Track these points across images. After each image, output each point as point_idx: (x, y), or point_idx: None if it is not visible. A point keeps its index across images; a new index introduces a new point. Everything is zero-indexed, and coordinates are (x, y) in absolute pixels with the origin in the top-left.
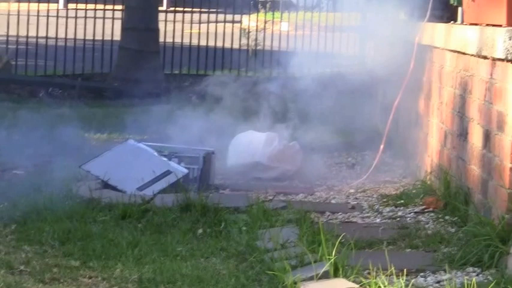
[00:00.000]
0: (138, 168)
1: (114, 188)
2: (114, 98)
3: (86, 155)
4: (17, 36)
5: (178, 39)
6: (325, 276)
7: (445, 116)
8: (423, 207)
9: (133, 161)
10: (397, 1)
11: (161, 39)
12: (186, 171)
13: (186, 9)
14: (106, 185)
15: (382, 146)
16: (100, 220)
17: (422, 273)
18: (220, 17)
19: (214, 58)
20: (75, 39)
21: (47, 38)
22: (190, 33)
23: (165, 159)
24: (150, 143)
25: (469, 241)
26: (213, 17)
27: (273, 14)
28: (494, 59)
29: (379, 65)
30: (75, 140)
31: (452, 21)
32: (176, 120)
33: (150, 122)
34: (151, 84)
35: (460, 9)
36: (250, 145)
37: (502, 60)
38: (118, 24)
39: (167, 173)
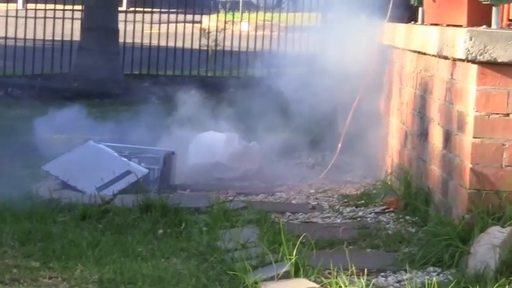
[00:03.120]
0: (98, 168)
1: (74, 188)
2: (73, 98)
3: (46, 155)
4: None
5: (138, 40)
6: (286, 276)
7: (405, 117)
8: (384, 207)
9: (93, 161)
10: (358, 1)
11: (121, 40)
12: (146, 171)
13: (145, 9)
14: (66, 186)
15: (340, 145)
16: (60, 221)
17: (383, 273)
18: (180, 17)
19: (174, 58)
20: (34, 39)
21: (6, 38)
22: (150, 33)
23: (125, 159)
24: (110, 144)
25: (429, 241)
26: (173, 17)
27: (233, 14)
28: (454, 59)
29: (339, 65)
30: (35, 140)
31: (413, 22)
32: (136, 120)
33: (110, 122)
34: (111, 84)
35: (420, 9)
36: (210, 145)
37: (463, 60)
38: (77, 25)
39: (127, 173)
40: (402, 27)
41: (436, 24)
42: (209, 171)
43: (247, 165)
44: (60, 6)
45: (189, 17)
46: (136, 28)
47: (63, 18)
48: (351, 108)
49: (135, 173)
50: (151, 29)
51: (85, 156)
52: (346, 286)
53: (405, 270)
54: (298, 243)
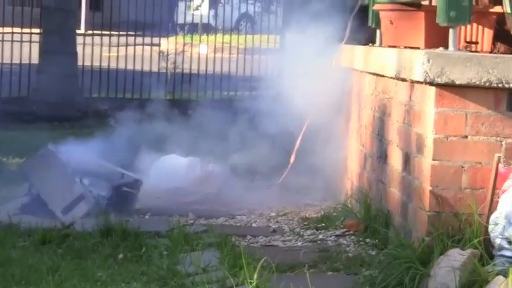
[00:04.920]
0: (59, 184)
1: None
2: (32, 122)
3: (3, 180)
4: None
5: (97, 63)
6: None
7: (364, 139)
8: (344, 230)
9: (50, 175)
10: (316, 23)
11: (80, 63)
12: (103, 193)
13: (104, 32)
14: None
15: (292, 159)
16: (19, 245)
17: None
18: (139, 40)
19: (133, 81)
20: None
21: None
22: (109, 56)
23: (77, 180)
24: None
25: (389, 264)
26: (131, 40)
27: (192, 37)
28: (412, 82)
29: (298, 87)
30: None
31: (371, 44)
32: (96, 144)
33: (70, 145)
34: (70, 107)
35: (378, 31)
36: (172, 170)
37: (421, 82)
38: (36, 48)
39: (81, 197)
40: (360, 49)
41: (394, 46)
42: (170, 195)
43: (208, 189)
44: (18, 29)
45: (148, 39)
46: (95, 51)
47: (21, 41)
48: (308, 130)
49: (88, 199)
50: (109, 52)
51: (43, 166)
52: None
53: None
54: (259, 266)
